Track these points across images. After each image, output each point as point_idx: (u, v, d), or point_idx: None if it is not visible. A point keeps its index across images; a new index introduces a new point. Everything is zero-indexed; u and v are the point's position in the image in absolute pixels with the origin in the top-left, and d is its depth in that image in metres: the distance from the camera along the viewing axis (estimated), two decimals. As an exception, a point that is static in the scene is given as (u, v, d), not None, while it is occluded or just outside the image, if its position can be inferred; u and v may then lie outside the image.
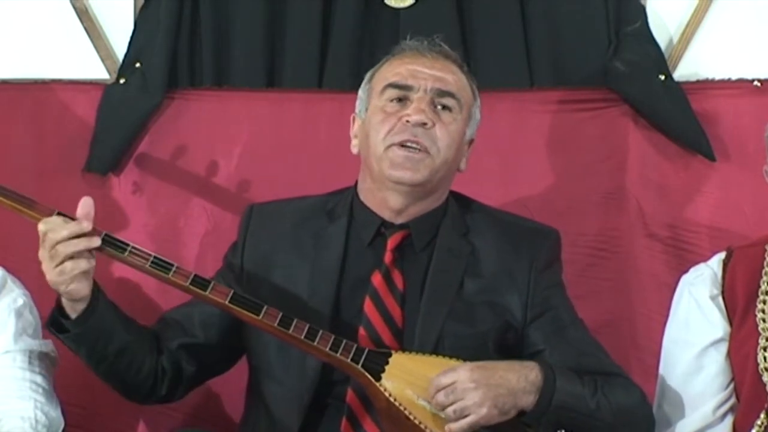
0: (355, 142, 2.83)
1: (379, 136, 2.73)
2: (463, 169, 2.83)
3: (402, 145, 2.71)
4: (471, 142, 2.85)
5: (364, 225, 2.78)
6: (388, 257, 2.75)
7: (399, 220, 2.77)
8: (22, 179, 3.24)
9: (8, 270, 2.89)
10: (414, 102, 2.74)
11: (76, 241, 2.56)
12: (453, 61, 2.82)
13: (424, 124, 2.71)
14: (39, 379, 2.77)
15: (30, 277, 2.91)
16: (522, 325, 2.75)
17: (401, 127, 2.72)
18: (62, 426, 2.78)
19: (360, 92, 2.85)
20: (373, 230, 2.77)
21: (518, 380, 2.58)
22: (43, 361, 2.80)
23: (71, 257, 2.55)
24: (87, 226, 2.57)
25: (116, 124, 3.28)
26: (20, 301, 2.82)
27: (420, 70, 2.77)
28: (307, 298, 2.74)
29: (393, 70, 2.79)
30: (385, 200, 2.77)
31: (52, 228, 2.56)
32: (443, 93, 2.76)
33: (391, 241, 2.76)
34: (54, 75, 3.33)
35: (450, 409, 2.55)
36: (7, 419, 2.69)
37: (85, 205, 2.60)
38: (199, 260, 3.24)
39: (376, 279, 2.74)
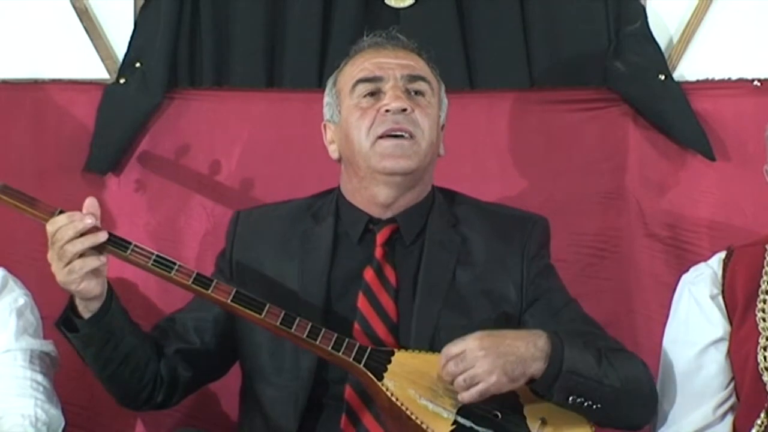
0: (333, 147, 2.82)
1: (362, 133, 2.72)
2: (443, 154, 2.83)
3: (388, 135, 2.70)
4: (443, 126, 2.84)
5: (351, 223, 2.78)
6: (378, 252, 2.75)
7: (387, 215, 2.77)
8: (22, 179, 3.22)
9: (9, 270, 2.89)
10: (388, 91, 2.73)
11: (82, 239, 2.55)
12: (413, 50, 2.82)
13: (404, 109, 2.71)
14: (39, 377, 2.77)
15: (31, 277, 2.93)
16: (518, 312, 2.75)
17: (382, 119, 2.71)
18: (62, 424, 2.78)
19: (326, 98, 2.84)
20: (362, 227, 2.77)
21: (527, 347, 2.56)
22: (43, 361, 2.81)
23: (80, 256, 2.55)
24: (91, 222, 2.56)
25: (116, 124, 3.28)
26: (21, 301, 2.83)
27: (385, 60, 2.76)
28: (298, 297, 2.73)
29: (358, 67, 2.78)
30: (373, 197, 2.76)
31: (59, 228, 2.55)
32: (414, 78, 2.76)
33: (380, 236, 2.76)
34: (54, 75, 3.33)
35: (460, 378, 2.53)
36: (8, 417, 2.70)
37: (91, 205, 2.59)
38: (199, 260, 3.24)
39: (368, 274, 2.73)
